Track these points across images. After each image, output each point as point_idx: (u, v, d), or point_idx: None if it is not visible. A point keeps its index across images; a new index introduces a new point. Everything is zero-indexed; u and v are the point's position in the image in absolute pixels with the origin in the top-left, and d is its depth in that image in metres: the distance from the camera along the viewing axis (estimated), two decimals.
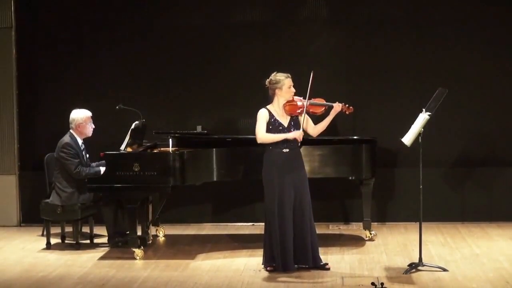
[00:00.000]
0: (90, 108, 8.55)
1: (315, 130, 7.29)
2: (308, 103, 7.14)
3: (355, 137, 8.60)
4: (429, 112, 7.11)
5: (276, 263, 7.15)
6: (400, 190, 9.33)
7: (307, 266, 7.19)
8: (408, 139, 7.18)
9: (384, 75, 9.29)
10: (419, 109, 7.20)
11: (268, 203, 7.15)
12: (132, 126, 8.05)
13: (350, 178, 8.25)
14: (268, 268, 7.18)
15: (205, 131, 8.56)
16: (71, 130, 8.25)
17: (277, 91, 7.15)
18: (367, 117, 9.21)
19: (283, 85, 7.13)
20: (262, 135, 7.11)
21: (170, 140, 8.20)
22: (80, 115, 8.26)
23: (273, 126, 7.13)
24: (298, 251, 7.16)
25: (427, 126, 7.15)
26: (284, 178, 7.07)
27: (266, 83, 7.21)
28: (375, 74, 9.30)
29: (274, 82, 7.15)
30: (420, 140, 7.15)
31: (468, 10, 9.20)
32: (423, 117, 7.11)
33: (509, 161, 9.26)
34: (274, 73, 7.20)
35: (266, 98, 8.85)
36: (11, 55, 9.52)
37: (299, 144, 7.17)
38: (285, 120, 7.16)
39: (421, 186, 7.19)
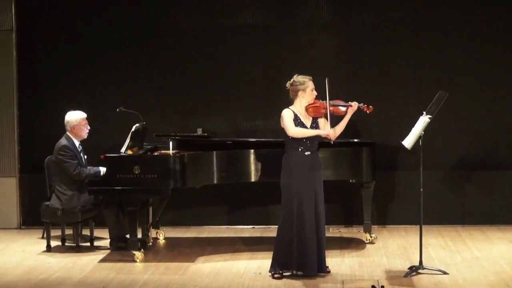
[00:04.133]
0: (91, 110, 8.56)
1: (334, 133, 7.21)
2: (330, 104, 7.10)
3: (355, 140, 8.60)
4: (430, 115, 7.11)
5: (291, 268, 7.09)
6: (401, 193, 9.33)
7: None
8: (408, 142, 7.17)
9: (385, 78, 9.29)
10: (419, 112, 7.20)
11: (286, 207, 7.07)
12: (133, 129, 8.05)
13: (350, 181, 8.25)
14: (275, 276, 7.10)
15: (206, 134, 8.56)
16: (67, 132, 8.25)
17: (300, 93, 7.09)
18: (368, 120, 9.18)
19: (307, 87, 7.08)
20: (295, 129, 7.01)
21: (171, 142, 8.20)
22: (74, 117, 8.26)
23: (297, 126, 7.07)
24: (319, 255, 7.08)
25: (427, 129, 7.15)
26: (305, 181, 7.01)
27: (287, 85, 7.12)
28: (375, 77, 9.30)
29: (298, 83, 7.08)
30: (420, 143, 7.15)
31: (468, 12, 9.21)
32: (423, 120, 7.11)
33: (510, 164, 9.26)
34: (296, 75, 7.12)
35: (267, 100, 8.87)
36: (12, 58, 9.53)
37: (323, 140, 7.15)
38: (308, 122, 7.11)
39: (421, 189, 7.19)
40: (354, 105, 7.15)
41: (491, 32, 9.20)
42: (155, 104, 9.41)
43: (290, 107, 7.14)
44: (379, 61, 9.29)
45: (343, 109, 7.17)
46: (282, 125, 7.10)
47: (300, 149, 7.06)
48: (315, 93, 7.13)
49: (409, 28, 9.25)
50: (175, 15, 9.45)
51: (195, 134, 8.60)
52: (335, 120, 7.16)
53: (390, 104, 9.25)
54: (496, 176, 9.28)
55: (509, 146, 9.27)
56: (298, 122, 7.07)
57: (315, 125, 7.14)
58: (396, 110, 9.19)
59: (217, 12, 9.43)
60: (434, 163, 9.11)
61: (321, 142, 7.39)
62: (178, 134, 8.48)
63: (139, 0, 9.49)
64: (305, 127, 7.08)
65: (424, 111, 7.16)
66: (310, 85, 7.09)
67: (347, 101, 7.19)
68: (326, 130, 7.08)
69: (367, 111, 7.25)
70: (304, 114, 7.12)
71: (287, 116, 7.06)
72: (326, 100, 7.08)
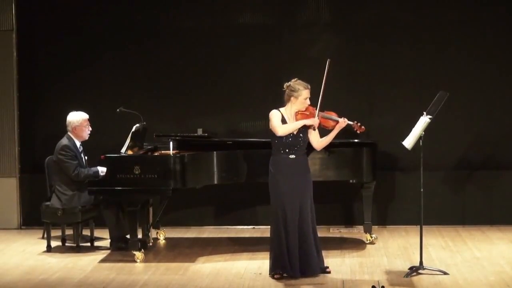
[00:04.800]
0: (91, 110, 8.55)
1: (319, 143, 7.20)
2: (320, 115, 7.08)
3: (356, 140, 8.59)
4: (430, 115, 7.11)
5: (284, 270, 7.08)
6: (401, 193, 9.33)
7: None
8: (409, 142, 7.17)
9: (385, 78, 9.30)
10: (420, 112, 7.19)
11: (273, 209, 7.09)
12: (133, 129, 8.05)
13: (351, 181, 8.25)
14: (275, 276, 7.09)
15: (206, 134, 8.55)
16: (68, 133, 8.25)
17: (292, 98, 7.06)
18: (368, 120, 9.19)
19: (300, 95, 7.04)
20: (282, 127, 6.99)
21: (171, 143, 8.20)
22: (76, 117, 8.26)
23: None
24: (303, 258, 7.08)
25: (427, 129, 7.15)
26: (289, 184, 7.00)
27: (284, 87, 7.11)
28: (376, 77, 9.30)
29: (292, 89, 7.05)
30: (421, 144, 7.15)
31: (469, 13, 9.21)
32: (424, 120, 7.11)
33: (510, 164, 9.26)
34: (295, 79, 7.09)
35: (267, 101, 8.87)
36: (12, 58, 9.53)
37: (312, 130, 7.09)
38: None
39: (421, 189, 7.18)
40: (343, 122, 7.11)
41: (491, 32, 9.20)
42: (156, 104, 9.41)
43: (280, 108, 7.14)
44: (379, 61, 9.29)
45: (332, 123, 7.12)
46: (270, 126, 7.10)
47: (285, 152, 7.06)
48: (307, 102, 7.08)
49: (409, 28, 9.25)
50: (175, 15, 9.45)
51: (196, 134, 8.59)
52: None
53: (391, 104, 9.26)
54: (496, 176, 9.28)
55: (509, 146, 9.27)
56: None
57: (302, 132, 7.08)
58: (397, 110, 9.19)
59: (217, 12, 9.43)
60: (435, 163, 9.11)
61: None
62: (179, 134, 8.47)
63: (139, 0, 9.49)
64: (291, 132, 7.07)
65: (425, 111, 7.15)
66: (303, 94, 7.05)
67: (340, 115, 7.14)
68: (311, 119, 7.02)
69: (358, 131, 7.23)
70: (292, 120, 7.10)
71: (274, 116, 7.06)
72: (318, 102, 7.03)
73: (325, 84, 7.05)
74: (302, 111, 7.09)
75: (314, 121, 7.03)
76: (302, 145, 7.10)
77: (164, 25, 9.44)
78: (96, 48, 9.47)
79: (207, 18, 9.43)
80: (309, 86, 7.09)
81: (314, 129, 7.11)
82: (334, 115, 7.16)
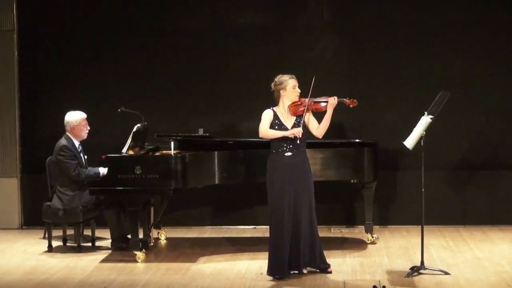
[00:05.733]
0: (92, 110, 8.56)
1: (318, 130, 7.14)
2: (310, 101, 7.09)
3: (357, 140, 8.59)
4: (431, 115, 7.10)
5: (270, 268, 7.10)
6: (402, 193, 9.32)
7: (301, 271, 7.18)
8: (410, 142, 7.17)
9: (386, 78, 9.29)
10: (421, 112, 7.19)
11: (270, 208, 7.10)
12: (134, 129, 8.05)
13: (352, 181, 8.25)
14: (277, 276, 7.07)
15: (207, 134, 8.56)
16: (66, 133, 8.25)
17: (281, 92, 7.10)
18: (369, 120, 9.21)
19: (287, 85, 7.08)
20: (263, 129, 7.05)
21: (172, 143, 8.21)
22: (74, 117, 8.25)
23: (277, 127, 7.07)
24: (293, 256, 7.08)
25: (429, 129, 7.15)
26: (285, 183, 7.00)
27: (272, 86, 7.16)
28: (377, 77, 9.30)
29: (278, 83, 7.11)
30: (422, 143, 7.15)
31: (471, 13, 9.21)
32: (425, 120, 7.10)
33: (511, 164, 9.25)
34: (279, 75, 7.15)
35: (268, 101, 8.86)
36: (13, 58, 9.53)
37: (299, 141, 7.02)
38: (289, 122, 7.08)
39: (423, 189, 7.18)
40: (332, 99, 7.09)
41: (492, 32, 9.19)
42: (157, 104, 9.40)
43: (274, 107, 7.16)
44: (379, 61, 9.29)
45: (324, 104, 7.13)
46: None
47: (280, 150, 7.05)
48: (297, 90, 7.11)
49: (410, 28, 9.24)
50: (176, 15, 9.45)
51: (197, 134, 8.60)
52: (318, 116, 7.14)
53: (392, 104, 9.25)
54: (498, 176, 9.28)
55: (510, 146, 9.26)
56: (276, 123, 7.07)
57: (298, 124, 7.08)
58: (398, 110, 9.18)
59: (218, 13, 9.43)
60: (436, 163, 9.10)
61: (323, 142, 7.38)
62: (180, 134, 8.48)
63: (139, 0, 9.49)
64: (285, 127, 7.06)
65: (426, 111, 7.15)
66: (290, 83, 7.09)
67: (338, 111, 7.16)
68: (291, 130, 7.02)
69: (351, 105, 7.22)
70: (287, 115, 7.11)
71: (264, 116, 7.11)
72: (307, 97, 7.05)
73: (310, 98, 7.05)
74: (294, 103, 7.09)
75: (294, 132, 7.00)
76: (299, 142, 7.07)
77: (165, 25, 9.45)
78: (96, 48, 9.47)
79: (207, 18, 9.44)
80: (294, 76, 7.12)
81: (298, 139, 7.05)
82: (324, 98, 7.16)
